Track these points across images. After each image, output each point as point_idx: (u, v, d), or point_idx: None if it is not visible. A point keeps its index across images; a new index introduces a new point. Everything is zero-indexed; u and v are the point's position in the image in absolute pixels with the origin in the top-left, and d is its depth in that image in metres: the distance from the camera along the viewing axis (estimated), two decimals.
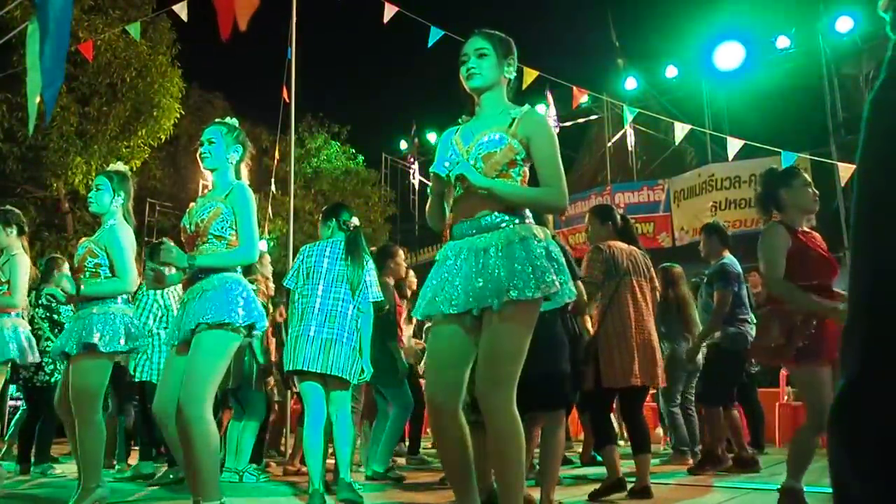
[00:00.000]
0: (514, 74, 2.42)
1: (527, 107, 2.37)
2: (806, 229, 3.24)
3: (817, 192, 3.28)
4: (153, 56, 12.88)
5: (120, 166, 3.67)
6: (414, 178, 20.44)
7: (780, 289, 3.06)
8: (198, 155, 3.02)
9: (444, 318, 2.22)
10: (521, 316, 2.14)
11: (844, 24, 13.11)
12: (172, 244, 2.85)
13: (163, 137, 13.49)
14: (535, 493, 3.31)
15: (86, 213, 14.48)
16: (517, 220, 2.22)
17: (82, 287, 3.31)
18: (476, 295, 2.12)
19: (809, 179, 3.31)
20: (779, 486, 3.07)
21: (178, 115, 13.51)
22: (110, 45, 12.20)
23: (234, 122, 3.12)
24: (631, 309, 3.86)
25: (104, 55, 12.21)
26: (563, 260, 2.23)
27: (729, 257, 5.02)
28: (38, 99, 3.06)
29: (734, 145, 8.84)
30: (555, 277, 2.13)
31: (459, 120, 2.46)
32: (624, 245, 4.01)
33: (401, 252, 5.30)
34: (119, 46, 12.35)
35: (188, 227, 2.96)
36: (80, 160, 12.61)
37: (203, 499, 2.65)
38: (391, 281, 5.02)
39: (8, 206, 4.27)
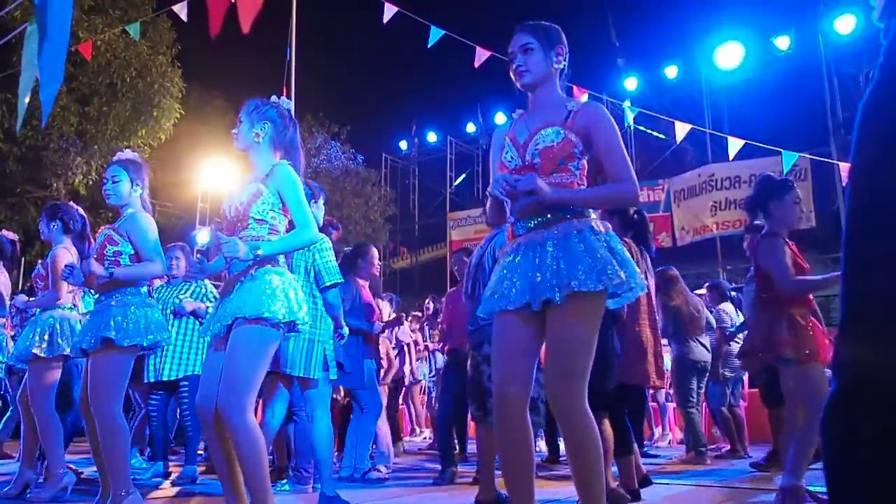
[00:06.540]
0: (564, 64, 2.34)
1: (584, 98, 2.34)
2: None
3: (804, 209, 3.34)
4: (153, 56, 12.90)
5: (130, 153, 3.47)
6: (414, 178, 20.45)
7: (798, 285, 3.20)
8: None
9: (505, 313, 2.18)
10: (586, 309, 2.08)
11: (844, 24, 13.11)
12: (225, 234, 2.57)
13: (163, 137, 13.52)
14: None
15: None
16: (575, 215, 2.17)
17: (115, 270, 3.08)
18: (533, 289, 2.08)
19: (801, 196, 3.38)
20: (780, 486, 3.07)
21: (178, 115, 13.52)
22: (110, 45, 12.22)
23: (259, 100, 2.80)
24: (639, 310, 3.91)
25: (104, 55, 12.22)
26: (627, 255, 2.16)
27: None
28: (27, 98, 3.03)
29: (734, 145, 8.84)
30: (617, 269, 2.07)
31: (512, 115, 2.40)
32: (633, 245, 4.02)
33: (374, 251, 5.08)
34: (119, 46, 12.36)
35: (228, 212, 2.71)
36: (81, 160, 12.62)
37: None
38: (363, 282, 4.88)
39: (58, 202, 4.22)
